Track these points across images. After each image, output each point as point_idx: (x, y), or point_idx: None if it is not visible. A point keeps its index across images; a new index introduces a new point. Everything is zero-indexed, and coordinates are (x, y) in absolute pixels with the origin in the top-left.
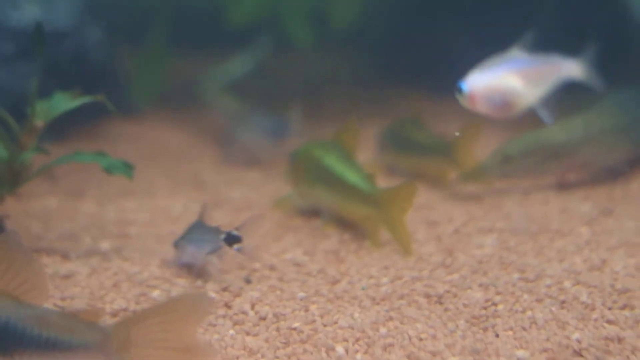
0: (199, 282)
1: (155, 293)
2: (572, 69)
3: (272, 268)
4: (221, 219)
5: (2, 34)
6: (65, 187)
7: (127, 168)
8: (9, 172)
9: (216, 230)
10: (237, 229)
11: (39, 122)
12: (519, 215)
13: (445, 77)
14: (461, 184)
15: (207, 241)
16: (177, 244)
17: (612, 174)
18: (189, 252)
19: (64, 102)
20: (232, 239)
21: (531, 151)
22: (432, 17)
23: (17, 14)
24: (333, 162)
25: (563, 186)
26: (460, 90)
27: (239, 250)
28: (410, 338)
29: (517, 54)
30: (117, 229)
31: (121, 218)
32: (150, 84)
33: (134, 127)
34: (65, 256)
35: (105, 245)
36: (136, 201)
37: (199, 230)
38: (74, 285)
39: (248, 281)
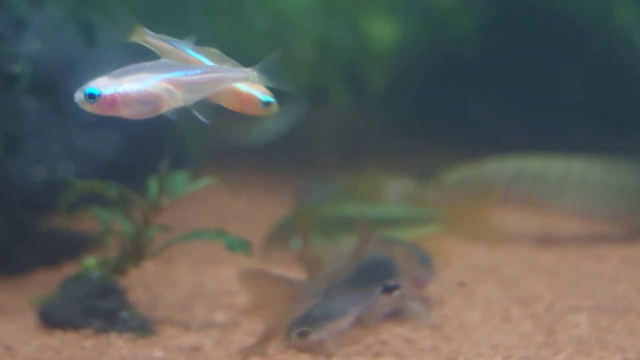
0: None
1: None
2: (240, 76)
3: (384, 343)
4: None
5: None
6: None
7: (246, 245)
8: (133, 247)
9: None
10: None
11: (165, 201)
12: (602, 293)
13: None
14: None
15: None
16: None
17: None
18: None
19: (186, 183)
20: (390, 288)
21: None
22: (456, 84)
23: None
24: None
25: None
26: (89, 96)
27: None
28: None
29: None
30: (225, 300)
31: (223, 288)
32: (199, 140)
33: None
34: (186, 327)
35: (220, 316)
36: (229, 269)
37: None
38: (204, 358)
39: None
